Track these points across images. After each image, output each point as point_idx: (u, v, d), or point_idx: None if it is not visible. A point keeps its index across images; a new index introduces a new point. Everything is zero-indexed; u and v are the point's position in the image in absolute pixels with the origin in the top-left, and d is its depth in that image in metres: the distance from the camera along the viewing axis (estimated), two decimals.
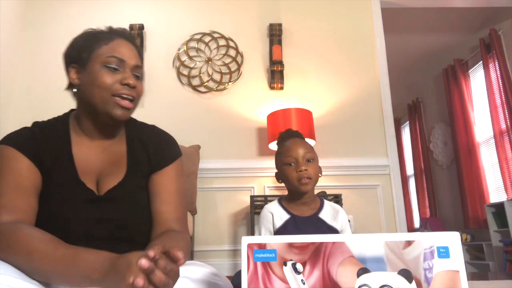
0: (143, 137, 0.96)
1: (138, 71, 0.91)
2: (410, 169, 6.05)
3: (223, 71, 2.87)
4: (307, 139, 1.36)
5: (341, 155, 2.72)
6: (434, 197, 5.32)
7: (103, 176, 0.89)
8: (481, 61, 4.38)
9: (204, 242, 2.52)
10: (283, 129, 1.44)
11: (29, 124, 0.92)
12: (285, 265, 0.59)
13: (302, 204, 1.24)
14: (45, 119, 0.94)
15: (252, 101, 2.84)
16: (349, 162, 2.70)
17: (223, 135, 2.74)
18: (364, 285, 0.57)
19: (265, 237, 0.62)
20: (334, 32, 2.99)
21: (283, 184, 1.28)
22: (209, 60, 2.89)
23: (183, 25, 2.96)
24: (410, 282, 0.57)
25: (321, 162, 1.31)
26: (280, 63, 2.81)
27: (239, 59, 2.90)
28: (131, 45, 0.92)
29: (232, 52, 2.92)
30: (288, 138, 1.30)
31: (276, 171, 1.31)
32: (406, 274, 0.57)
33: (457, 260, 0.58)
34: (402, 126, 6.41)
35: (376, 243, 0.59)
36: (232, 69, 2.88)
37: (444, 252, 0.58)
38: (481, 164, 4.36)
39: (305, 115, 2.52)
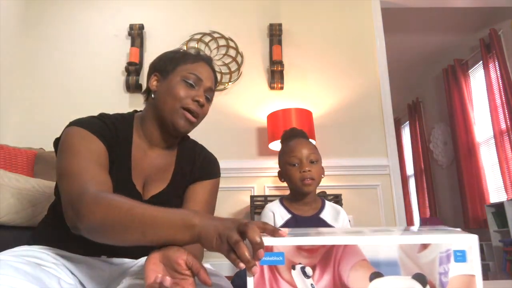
0: (193, 154, 1.03)
1: (209, 94, 0.99)
2: (410, 169, 6.04)
3: (223, 71, 2.87)
4: None
5: (341, 155, 2.71)
6: (434, 197, 5.32)
7: (150, 181, 0.95)
8: (481, 61, 4.38)
9: None
10: (283, 129, 1.44)
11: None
12: (294, 268, 0.56)
13: (304, 204, 1.24)
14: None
15: (252, 101, 2.83)
16: (349, 162, 2.70)
17: (223, 135, 2.74)
18: None
19: (269, 238, 0.58)
20: (334, 32, 2.99)
21: (283, 184, 1.28)
22: None
23: (183, 25, 2.96)
24: (424, 287, 0.54)
25: (321, 162, 1.30)
26: (280, 63, 2.80)
27: (239, 59, 2.90)
28: (211, 70, 1.00)
29: (232, 52, 2.91)
30: (292, 138, 1.30)
31: (279, 169, 1.31)
32: (420, 279, 0.55)
33: (474, 264, 0.55)
34: (402, 126, 6.40)
35: (390, 246, 0.56)
36: (232, 69, 2.87)
37: (461, 256, 0.55)
38: (481, 164, 4.36)
39: (305, 115, 2.52)
